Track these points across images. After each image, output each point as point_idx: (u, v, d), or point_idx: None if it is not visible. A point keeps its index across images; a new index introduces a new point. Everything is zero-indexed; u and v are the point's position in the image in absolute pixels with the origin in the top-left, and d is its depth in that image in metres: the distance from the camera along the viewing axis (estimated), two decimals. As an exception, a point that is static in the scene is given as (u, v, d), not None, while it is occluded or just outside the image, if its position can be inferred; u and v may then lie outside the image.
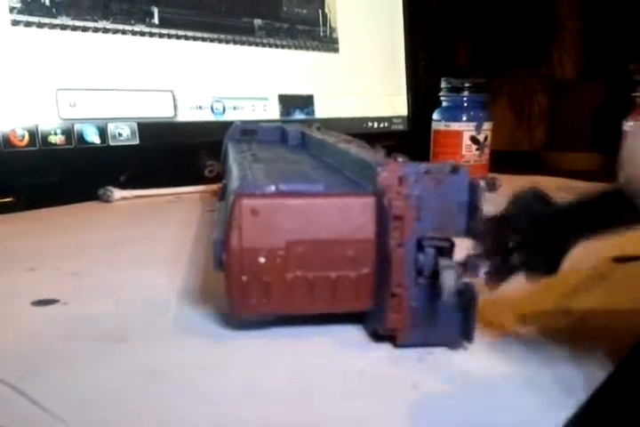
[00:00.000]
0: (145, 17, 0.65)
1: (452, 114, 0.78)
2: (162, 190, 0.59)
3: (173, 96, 0.66)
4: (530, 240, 0.23)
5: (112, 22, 0.62)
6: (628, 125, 0.63)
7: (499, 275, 0.24)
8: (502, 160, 1.10)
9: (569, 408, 0.21)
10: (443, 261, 0.24)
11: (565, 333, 0.27)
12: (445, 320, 0.25)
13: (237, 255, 0.24)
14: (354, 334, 0.27)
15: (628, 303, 0.31)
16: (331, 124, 0.80)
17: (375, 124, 0.89)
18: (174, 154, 0.64)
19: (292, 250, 0.25)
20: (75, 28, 0.59)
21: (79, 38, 0.60)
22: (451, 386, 0.22)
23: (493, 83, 1.22)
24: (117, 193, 0.57)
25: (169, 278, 0.34)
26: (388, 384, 0.22)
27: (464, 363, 0.24)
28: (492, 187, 0.68)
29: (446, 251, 0.25)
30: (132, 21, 0.64)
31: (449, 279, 0.23)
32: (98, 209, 0.55)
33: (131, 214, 0.53)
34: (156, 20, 0.66)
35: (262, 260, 0.25)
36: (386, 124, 0.91)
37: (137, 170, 0.61)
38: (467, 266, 0.24)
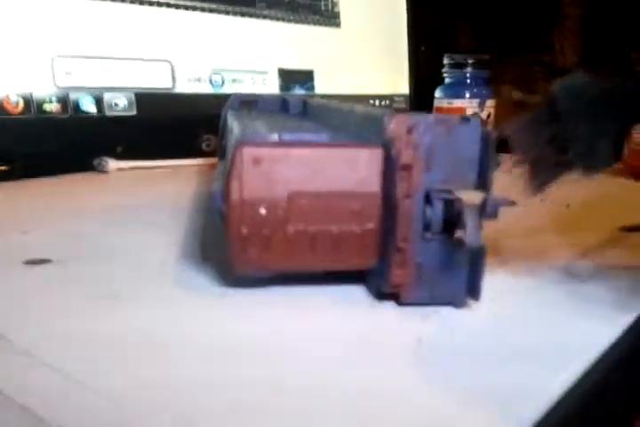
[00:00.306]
0: (143, -15, 0.63)
1: (455, 91, 0.77)
2: (158, 162, 0.58)
3: (172, 67, 0.64)
4: (586, 125, 0.21)
5: (109, -10, 0.61)
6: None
7: (546, 175, 0.22)
8: (505, 143, 1.09)
9: (568, 373, 0.20)
10: (461, 206, 0.23)
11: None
12: (452, 277, 0.24)
13: (238, 206, 0.23)
14: (356, 293, 0.26)
15: None
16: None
17: (376, 102, 0.88)
18: (171, 126, 0.62)
19: (295, 202, 0.24)
20: (70, -5, 0.58)
21: (76, 5, 0.58)
22: (455, 344, 0.22)
23: (495, 70, 1.21)
24: (113, 164, 0.56)
25: (166, 242, 0.33)
26: (391, 342, 0.22)
27: (469, 321, 0.23)
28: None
29: (456, 204, 0.23)
30: (130, -10, 0.62)
31: (472, 223, 0.22)
32: (93, 179, 0.54)
33: (126, 184, 0.52)
34: (154, -11, 0.64)
35: (263, 211, 0.24)
36: (387, 103, 0.89)
37: (134, 141, 0.60)
38: (484, 209, 0.23)
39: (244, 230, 0.24)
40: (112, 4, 0.60)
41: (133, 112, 0.61)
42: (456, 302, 0.25)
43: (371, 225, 0.24)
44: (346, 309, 0.25)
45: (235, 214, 0.23)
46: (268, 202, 0.24)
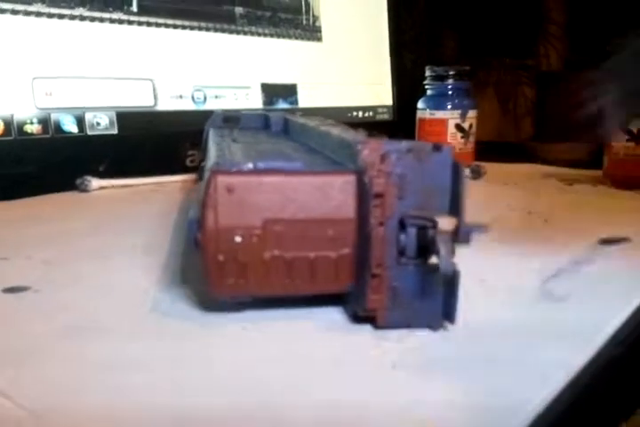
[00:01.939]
0: (123, 4, 0.64)
1: (437, 102, 0.77)
2: (141, 180, 0.58)
3: (153, 85, 0.65)
4: None
5: (89, 10, 0.61)
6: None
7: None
8: (489, 150, 1.10)
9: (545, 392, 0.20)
10: (435, 233, 0.23)
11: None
12: (428, 301, 0.24)
13: (213, 234, 0.24)
14: (334, 316, 0.26)
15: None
16: (315, 114, 0.79)
17: (360, 114, 0.88)
18: (154, 143, 0.62)
19: (270, 229, 0.24)
20: (50, 16, 0.58)
21: (55, 26, 0.58)
22: (429, 369, 0.22)
23: (480, 74, 1.22)
24: (95, 182, 0.56)
25: (145, 266, 0.33)
26: (366, 367, 0.22)
27: (444, 345, 0.24)
28: (477, 174, 0.67)
29: (429, 230, 0.24)
30: (110, 9, 0.62)
31: (445, 249, 0.22)
32: (75, 199, 0.54)
33: (108, 204, 0.52)
34: (134, 8, 0.64)
35: (238, 239, 0.24)
36: (371, 114, 0.90)
37: (116, 160, 0.60)
38: (457, 235, 0.23)
39: (220, 258, 0.24)
40: (91, 24, 0.60)
41: (115, 131, 0.61)
42: (432, 325, 0.25)
43: (346, 250, 0.25)
44: (322, 333, 0.25)
45: (210, 242, 0.24)
46: (244, 229, 0.24)
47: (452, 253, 0.23)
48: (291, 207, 0.24)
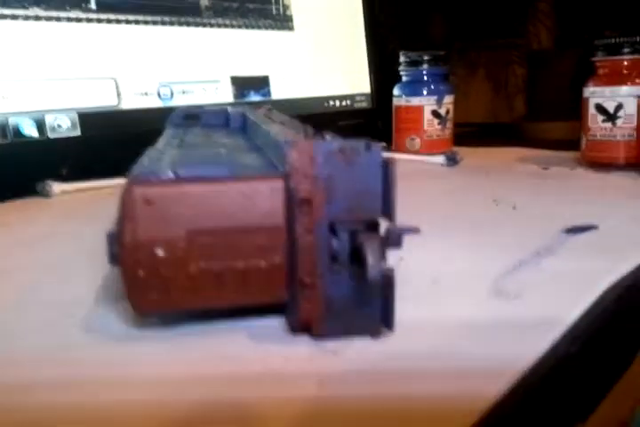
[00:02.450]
0: (81, 2, 0.62)
1: (412, 88, 0.76)
2: (105, 182, 0.56)
3: (116, 83, 0.63)
4: None
5: (45, 9, 0.59)
6: (589, 91, 0.61)
7: None
8: (483, 132, 1.08)
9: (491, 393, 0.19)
10: (363, 236, 0.22)
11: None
12: (364, 308, 0.23)
13: (131, 249, 0.22)
14: (273, 327, 0.25)
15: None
16: (289, 105, 0.78)
17: (337, 103, 0.87)
18: (120, 144, 0.61)
19: (194, 240, 0.23)
20: (3, 17, 0.56)
21: (8, 27, 0.56)
22: (362, 383, 0.21)
23: (471, 56, 1.20)
24: (57, 187, 0.54)
25: (88, 277, 0.32)
26: (292, 383, 0.21)
27: (382, 354, 0.22)
28: (452, 161, 0.66)
29: (360, 235, 0.22)
30: (67, 7, 0.61)
31: (373, 255, 0.21)
32: (35, 205, 0.53)
33: (68, 209, 0.51)
34: (93, 5, 0.63)
35: (160, 253, 0.22)
36: (348, 103, 0.88)
37: (81, 162, 0.59)
38: (389, 239, 0.22)
39: (141, 273, 0.22)
40: (47, 23, 0.59)
41: (78, 132, 0.59)
42: (371, 333, 0.24)
43: (277, 259, 0.23)
44: (257, 345, 0.24)
45: (129, 257, 0.22)
46: (165, 242, 0.23)
47: (382, 257, 0.21)
48: (216, 217, 0.23)
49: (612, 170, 0.58)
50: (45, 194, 0.54)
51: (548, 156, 0.71)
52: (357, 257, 0.23)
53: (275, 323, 0.25)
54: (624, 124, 0.58)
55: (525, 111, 1.16)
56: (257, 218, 0.23)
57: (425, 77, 0.76)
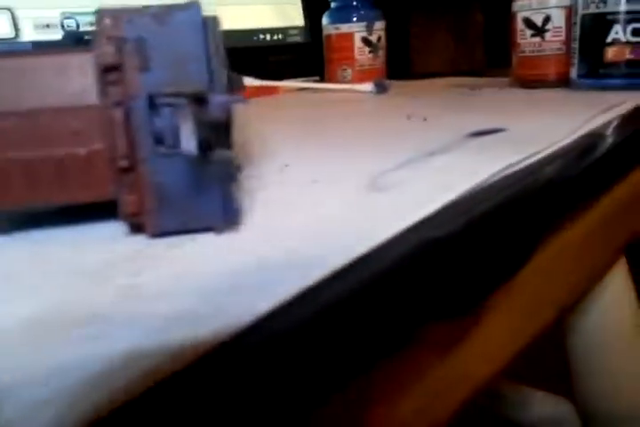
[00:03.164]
0: None
1: (341, 15, 0.72)
2: None
3: (12, 14, 0.58)
4: None
5: None
6: (517, 5, 0.57)
7: None
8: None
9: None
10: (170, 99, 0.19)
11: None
12: (204, 198, 0.20)
13: None
14: (109, 230, 0.22)
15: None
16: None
17: (267, 37, 0.82)
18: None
19: (-3, 125, 0.19)
20: None
21: None
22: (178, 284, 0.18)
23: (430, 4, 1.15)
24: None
25: None
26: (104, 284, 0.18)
27: (215, 251, 0.20)
28: (381, 88, 0.63)
29: (182, 109, 0.19)
30: None
31: (187, 126, 0.18)
32: None
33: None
34: None
35: (-44, 141, 0.19)
36: (280, 37, 0.84)
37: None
38: (206, 103, 0.19)
39: None
40: None
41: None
42: (216, 228, 0.21)
43: (97, 146, 0.20)
44: (84, 246, 0.21)
45: None
46: (-40, 128, 0.19)
47: (198, 130, 0.18)
48: (23, 97, 0.20)
49: (542, 88, 0.56)
50: None
51: (483, 81, 0.68)
52: (187, 138, 0.20)
53: (113, 226, 0.22)
54: (553, 38, 0.55)
55: (485, 59, 1.12)
56: (69, 98, 0.20)
57: (354, 2, 0.72)
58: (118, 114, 0.19)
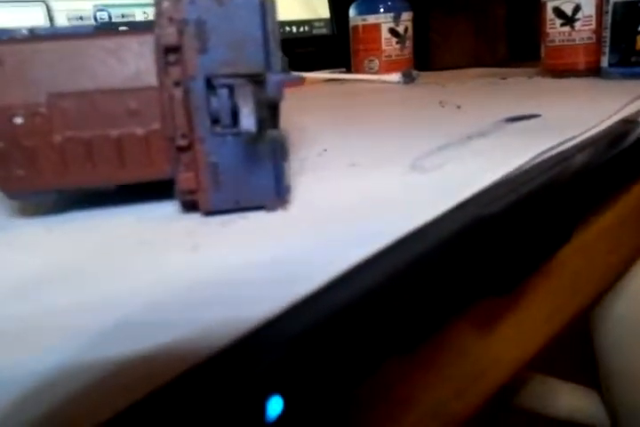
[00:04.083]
0: None
1: (368, 6, 0.72)
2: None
3: (47, 7, 0.59)
4: None
5: None
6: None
7: None
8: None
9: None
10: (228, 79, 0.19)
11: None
12: (257, 177, 0.21)
13: (-17, 117, 0.20)
14: (163, 208, 0.23)
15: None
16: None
17: (294, 29, 0.83)
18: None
19: (57, 105, 0.20)
20: None
21: None
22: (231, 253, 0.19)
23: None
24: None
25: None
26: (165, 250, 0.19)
27: (267, 227, 0.20)
28: (408, 78, 0.63)
29: (236, 90, 0.20)
30: None
31: (247, 105, 0.19)
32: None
33: None
34: None
35: (19, 120, 0.20)
36: (306, 29, 0.84)
37: None
38: (264, 83, 0.19)
39: (1, 145, 0.20)
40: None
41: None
42: (267, 206, 0.22)
43: (155, 125, 0.21)
44: (142, 224, 0.21)
45: (-18, 127, 0.20)
46: (24, 108, 0.20)
47: (258, 109, 0.19)
48: (80, 78, 0.20)
49: (572, 77, 0.56)
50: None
51: (511, 70, 0.68)
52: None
53: (167, 205, 0.23)
54: (583, 27, 0.55)
55: (507, 53, 1.12)
56: (127, 79, 0.20)
57: (381, -6, 0.72)
58: (179, 93, 0.20)
